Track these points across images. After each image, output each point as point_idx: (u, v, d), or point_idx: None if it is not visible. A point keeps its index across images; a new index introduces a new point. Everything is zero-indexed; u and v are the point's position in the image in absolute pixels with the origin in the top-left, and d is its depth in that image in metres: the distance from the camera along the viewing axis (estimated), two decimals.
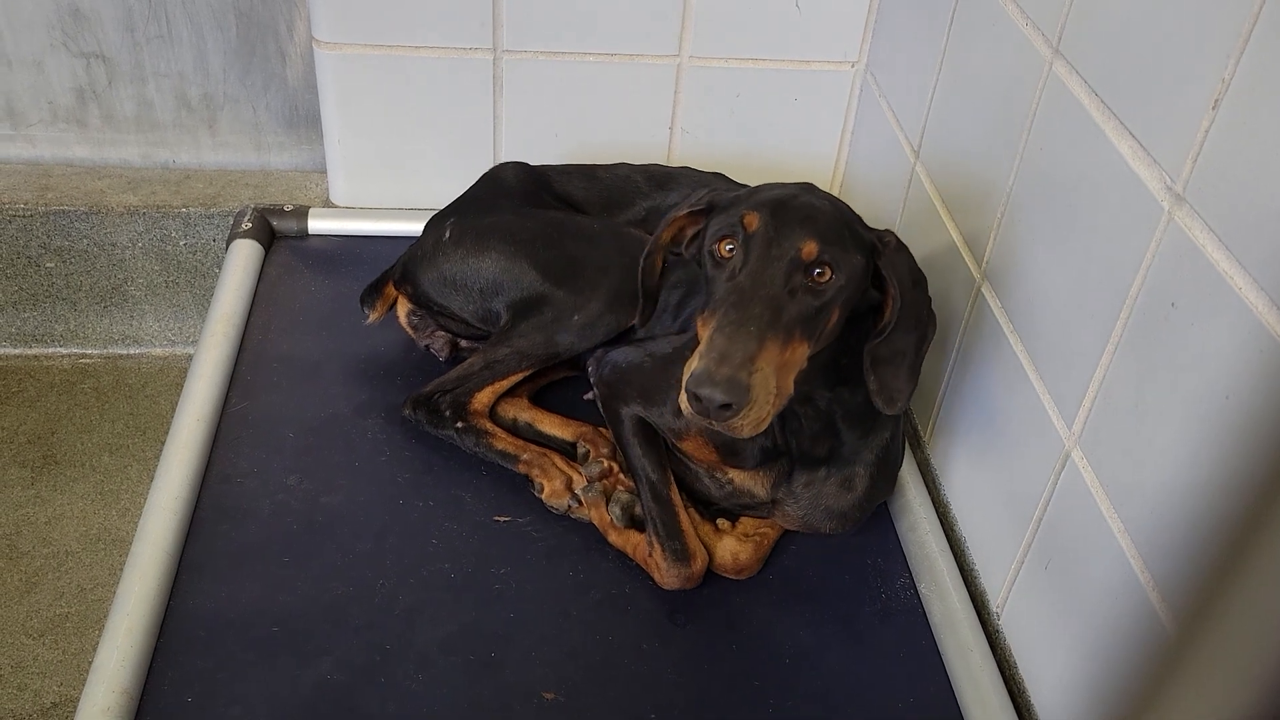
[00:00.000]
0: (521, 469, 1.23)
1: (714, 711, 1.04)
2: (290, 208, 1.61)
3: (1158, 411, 0.86)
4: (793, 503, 1.15)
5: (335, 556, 1.14)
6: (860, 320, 1.05)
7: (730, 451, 1.14)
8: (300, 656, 1.04)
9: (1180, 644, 0.80)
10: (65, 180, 1.71)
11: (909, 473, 1.26)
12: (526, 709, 1.02)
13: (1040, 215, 1.05)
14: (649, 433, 1.18)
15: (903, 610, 1.15)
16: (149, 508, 1.15)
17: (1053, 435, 1.02)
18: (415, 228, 1.42)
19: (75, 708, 0.98)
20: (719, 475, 1.17)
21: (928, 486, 1.27)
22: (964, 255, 1.21)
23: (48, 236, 1.68)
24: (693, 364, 0.92)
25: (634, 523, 1.18)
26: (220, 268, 1.53)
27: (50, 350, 1.78)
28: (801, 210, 0.98)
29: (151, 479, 1.19)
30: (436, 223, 1.34)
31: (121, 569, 1.09)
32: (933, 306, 1.06)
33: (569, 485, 1.21)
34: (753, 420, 0.91)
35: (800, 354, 0.96)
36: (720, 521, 1.20)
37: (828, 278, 0.96)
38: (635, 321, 1.19)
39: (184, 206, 1.68)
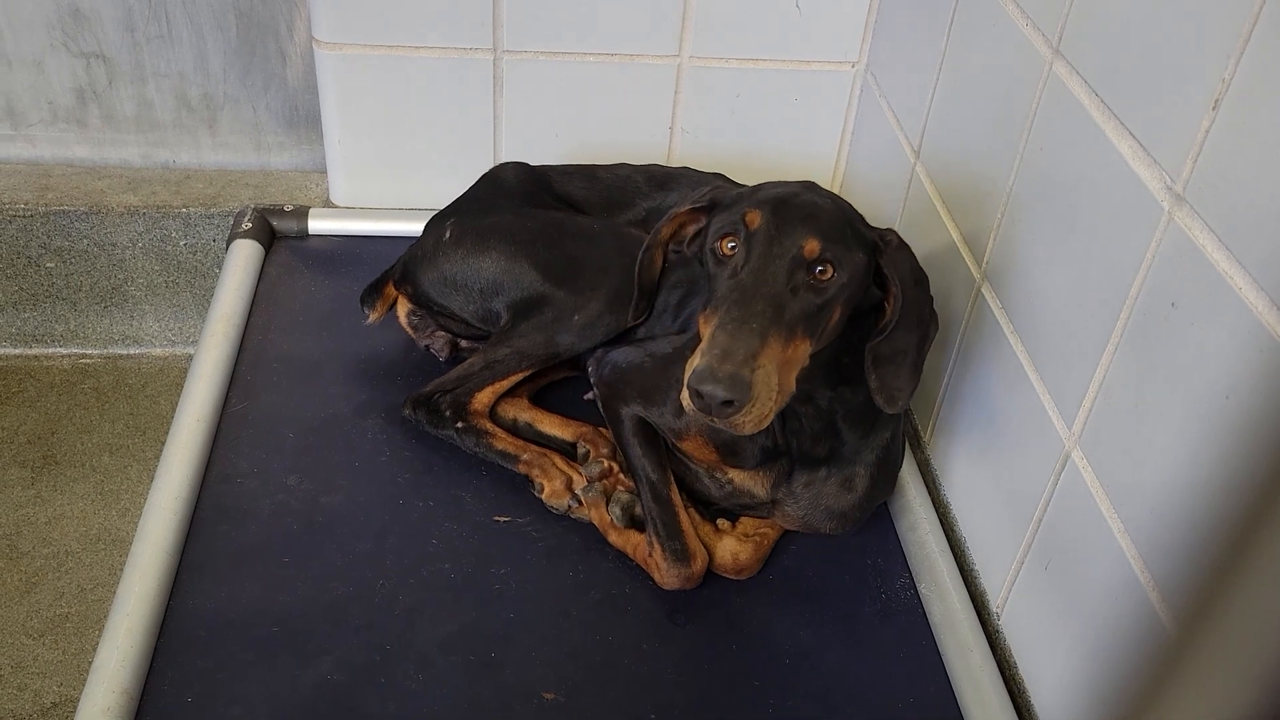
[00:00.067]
0: (521, 469, 1.23)
1: (714, 711, 1.04)
2: (290, 208, 1.61)
3: (1158, 411, 0.86)
4: (793, 503, 1.15)
5: (335, 556, 1.14)
6: (862, 319, 1.05)
7: (730, 451, 1.14)
8: (300, 656, 1.04)
9: (1180, 644, 0.80)
10: (65, 180, 1.71)
11: (909, 473, 1.26)
12: (526, 709, 1.02)
13: (1040, 215, 1.05)
14: (649, 433, 1.18)
15: (903, 610, 1.15)
16: (149, 508, 1.15)
17: (1053, 435, 1.02)
18: (415, 228, 1.42)
19: (75, 708, 0.98)
20: (719, 475, 1.17)
21: (928, 486, 1.27)
22: (964, 255, 1.21)
23: (48, 236, 1.68)
24: (695, 361, 0.92)
25: (634, 523, 1.18)
26: (220, 268, 1.53)
27: (50, 350, 1.78)
28: (803, 208, 0.98)
29: (151, 479, 1.19)
30: (437, 223, 1.34)
31: (121, 569, 1.09)
32: (934, 306, 1.06)
33: (569, 485, 1.21)
34: (754, 417, 0.91)
35: (802, 352, 0.96)
36: (720, 522, 1.20)
37: (829, 276, 0.96)
38: (630, 316, 1.19)
39: (184, 206, 1.68)
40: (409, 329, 1.39)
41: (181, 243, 1.71)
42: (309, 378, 1.36)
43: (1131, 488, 0.89)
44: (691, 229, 1.09)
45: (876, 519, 1.24)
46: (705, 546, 1.15)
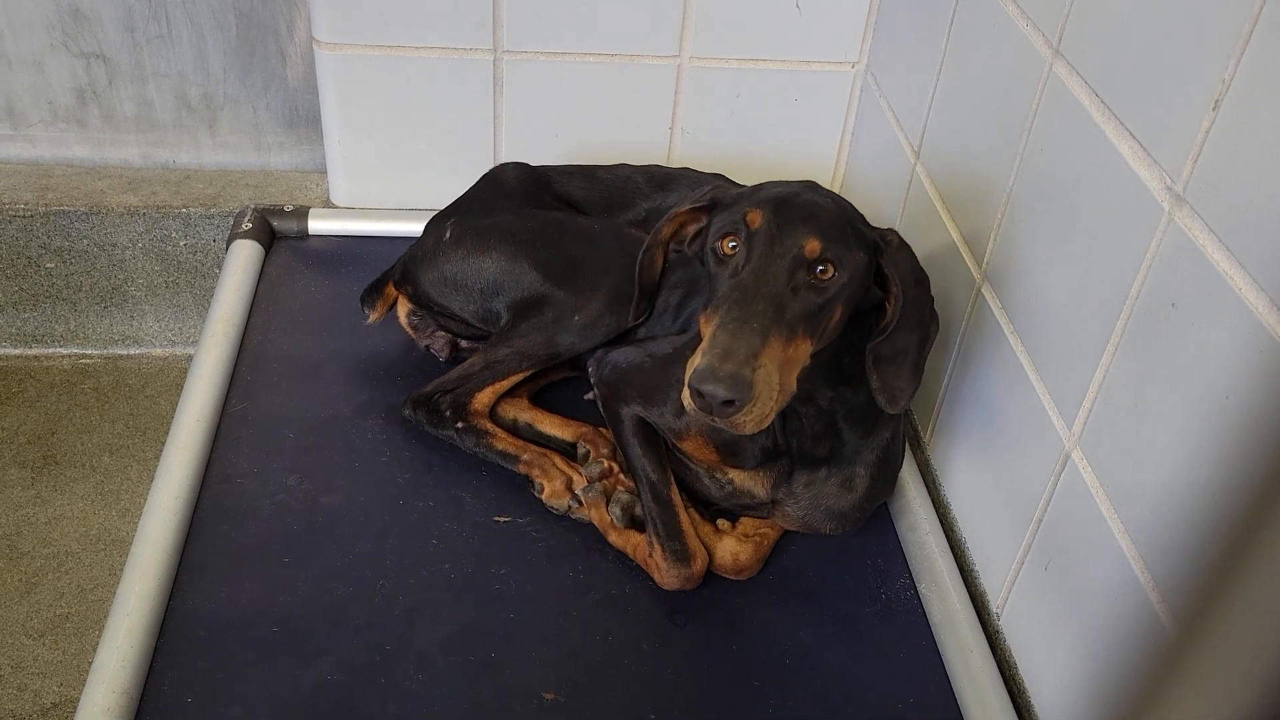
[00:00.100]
0: (521, 469, 1.23)
1: (714, 711, 1.04)
2: (290, 208, 1.61)
3: (1158, 411, 0.86)
4: (793, 503, 1.15)
5: (335, 556, 1.14)
6: (863, 319, 1.05)
7: (730, 451, 1.14)
8: (300, 656, 1.04)
9: (1180, 644, 0.80)
10: (65, 180, 1.71)
11: (909, 473, 1.26)
12: (526, 709, 1.02)
13: (1040, 215, 1.05)
14: (649, 433, 1.18)
15: (903, 610, 1.15)
16: (149, 508, 1.15)
17: (1053, 435, 1.02)
18: (415, 228, 1.42)
19: (75, 708, 0.98)
20: (719, 475, 1.17)
21: (928, 486, 1.27)
22: (964, 255, 1.21)
23: (48, 237, 1.68)
24: (695, 360, 0.92)
25: (634, 523, 1.18)
26: (220, 268, 1.53)
27: (50, 350, 1.78)
28: (804, 208, 0.98)
29: (151, 479, 1.19)
30: (437, 223, 1.34)
31: (121, 569, 1.09)
32: (935, 306, 1.06)
33: (569, 485, 1.21)
34: (755, 417, 0.91)
35: (803, 351, 0.96)
36: (720, 522, 1.20)
37: (830, 275, 0.97)
38: (630, 316, 1.19)
39: (184, 207, 1.68)
40: (409, 329, 1.39)
41: (181, 243, 1.71)
42: (309, 378, 1.36)
43: (1131, 488, 0.89)
44: (692, 229, 1.09)
45: (876, 519, 1.24)
46: (705, 547, 1.15)
